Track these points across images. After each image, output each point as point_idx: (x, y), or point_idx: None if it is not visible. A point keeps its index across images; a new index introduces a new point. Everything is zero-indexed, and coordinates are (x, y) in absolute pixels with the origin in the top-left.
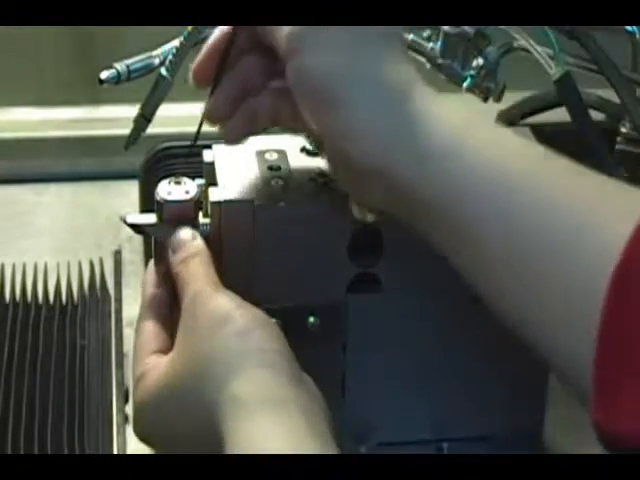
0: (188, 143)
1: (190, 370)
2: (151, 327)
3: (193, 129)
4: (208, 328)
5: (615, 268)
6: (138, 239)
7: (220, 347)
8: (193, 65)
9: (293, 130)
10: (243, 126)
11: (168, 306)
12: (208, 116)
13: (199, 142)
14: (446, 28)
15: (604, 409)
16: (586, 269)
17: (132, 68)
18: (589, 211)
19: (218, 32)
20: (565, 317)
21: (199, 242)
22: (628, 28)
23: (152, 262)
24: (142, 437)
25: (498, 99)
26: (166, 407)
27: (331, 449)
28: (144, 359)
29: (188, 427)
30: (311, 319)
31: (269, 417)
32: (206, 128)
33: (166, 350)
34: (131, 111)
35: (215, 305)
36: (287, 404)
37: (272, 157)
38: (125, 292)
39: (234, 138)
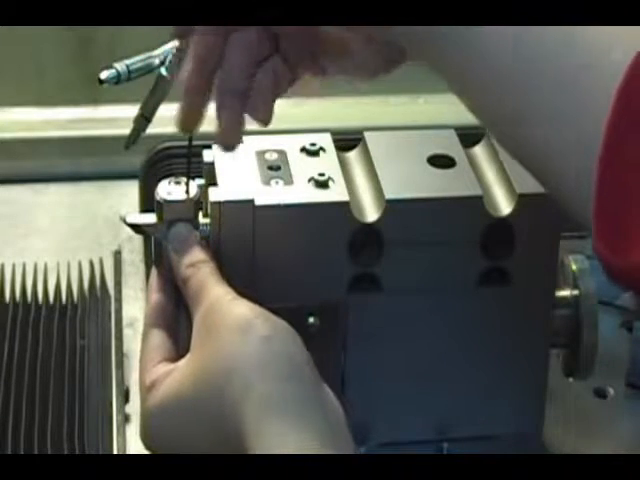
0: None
1: (212, 377)
2: (157, 335)
3: None
4: (229, 336)
5: (617, 89)
6: (138, 239)
7: (244, 353)
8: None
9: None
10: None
11: (173, 313)
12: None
13: (200, 142)
14: None
15: (607, 238)
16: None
17: (132, 68)
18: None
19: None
20: (568, 138)
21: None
22: None
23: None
24: (153, 446)
25: None
26: (185, 414)
27: (353, 451)
28: (152, 368)
29: (208, 432)
30: (311, 319)
31: (294, 420)
32: (205, 128)
33: (172, 359)
34: (131, 111)
35: (235, 313)
36: (311, 407)
37: (272, 157)
38: (125, 292)
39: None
